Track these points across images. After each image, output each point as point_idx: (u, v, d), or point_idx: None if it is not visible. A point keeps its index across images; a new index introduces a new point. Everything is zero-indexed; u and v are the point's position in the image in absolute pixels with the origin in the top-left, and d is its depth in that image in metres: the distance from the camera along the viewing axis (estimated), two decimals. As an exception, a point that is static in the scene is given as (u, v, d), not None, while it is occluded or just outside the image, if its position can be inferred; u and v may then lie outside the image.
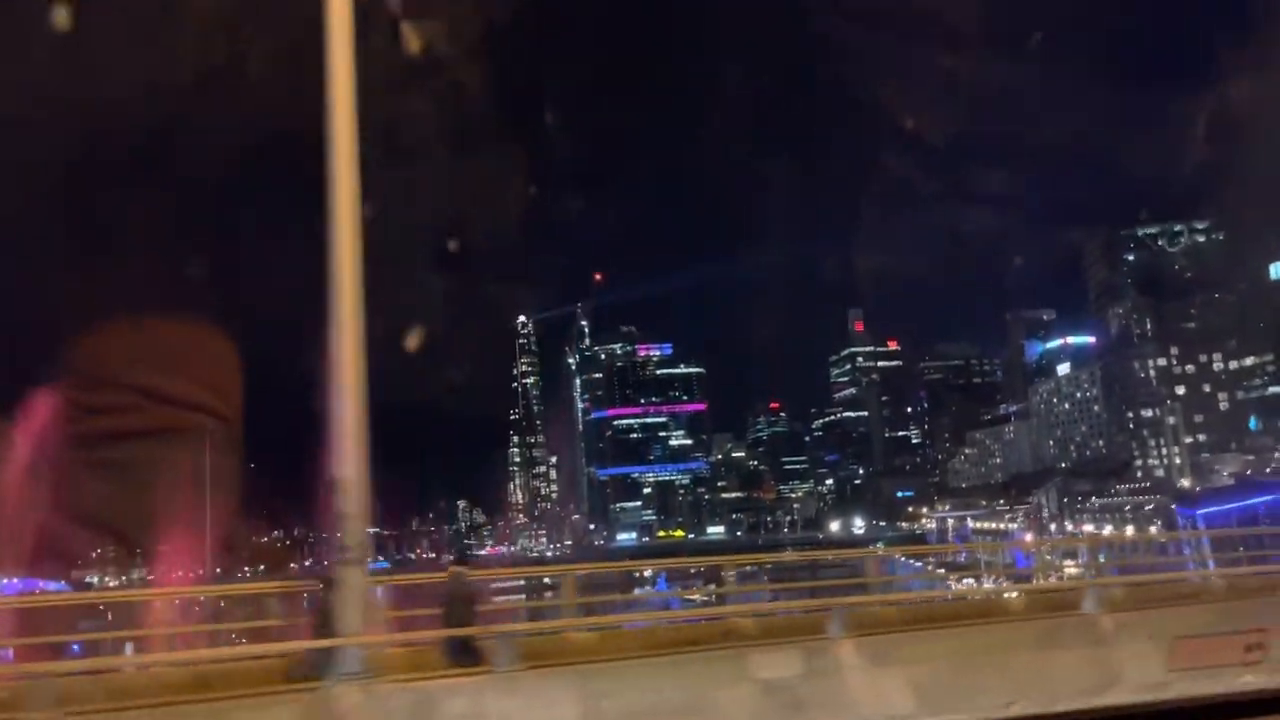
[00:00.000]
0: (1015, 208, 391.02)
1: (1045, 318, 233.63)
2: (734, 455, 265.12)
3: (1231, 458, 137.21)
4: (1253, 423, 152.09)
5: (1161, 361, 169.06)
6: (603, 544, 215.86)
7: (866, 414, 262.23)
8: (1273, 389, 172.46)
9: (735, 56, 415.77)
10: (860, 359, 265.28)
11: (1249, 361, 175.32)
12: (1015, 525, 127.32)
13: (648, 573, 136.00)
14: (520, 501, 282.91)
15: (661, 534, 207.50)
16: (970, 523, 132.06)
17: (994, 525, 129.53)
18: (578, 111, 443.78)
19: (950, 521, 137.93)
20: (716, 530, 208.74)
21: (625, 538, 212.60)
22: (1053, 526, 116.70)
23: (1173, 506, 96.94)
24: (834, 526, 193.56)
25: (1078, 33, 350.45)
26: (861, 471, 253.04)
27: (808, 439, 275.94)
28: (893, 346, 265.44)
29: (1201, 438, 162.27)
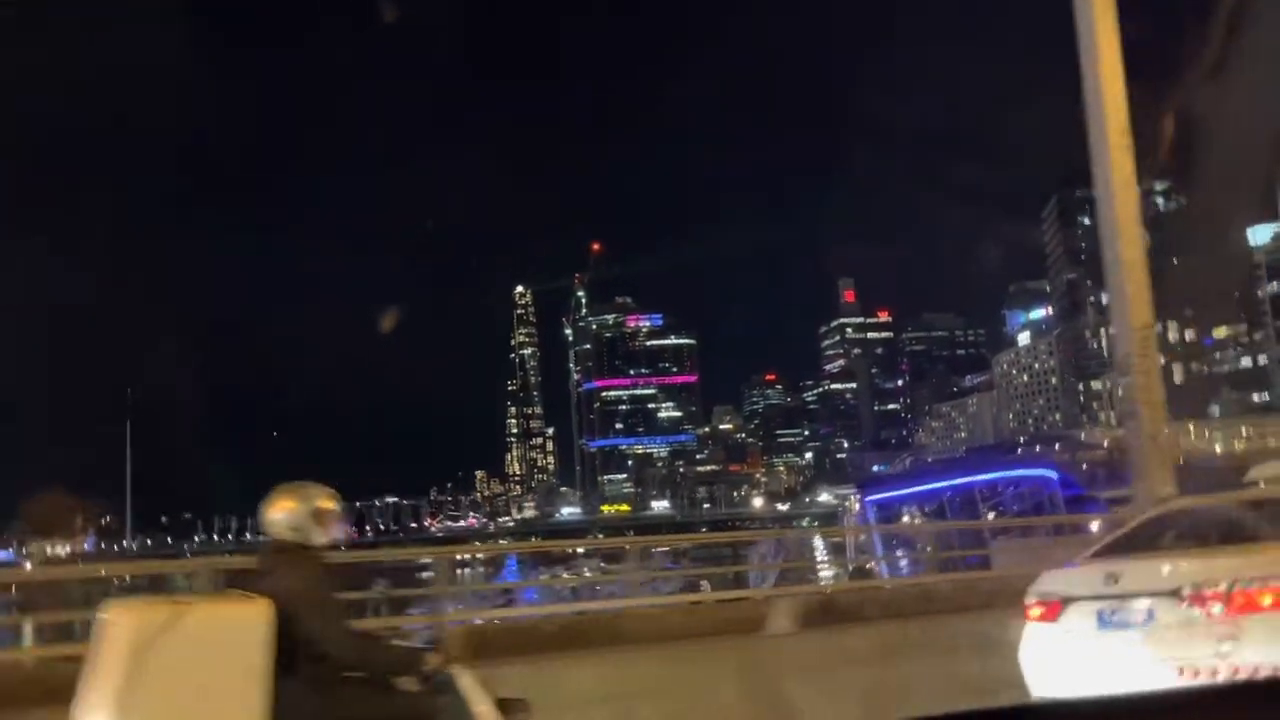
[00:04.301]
0: (1014, 176, 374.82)
1: (1048, 288, 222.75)
2: (720, 428, 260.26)
3: (1102, 431, 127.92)
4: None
5: (1113, 330, 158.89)
6: (522, 518, 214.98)
7: (855, 385, 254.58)
8: (1245, 361, 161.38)
9: (731, 26, 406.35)
10: (849, 330, 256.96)
11: (1223, 333, 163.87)
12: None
13: (580, 550, 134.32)
14: (518, 472, 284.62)
15: (605, 508, 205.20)
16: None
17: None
18: (578, 84, 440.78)
19: (853, 499, 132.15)
20: (661, 505, 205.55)
21: (569, 511, 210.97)
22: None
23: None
24: (757, 502, 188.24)
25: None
26: (846, 444, 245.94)
27: (803, 411, 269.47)
28: (883, 317, 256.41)
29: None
